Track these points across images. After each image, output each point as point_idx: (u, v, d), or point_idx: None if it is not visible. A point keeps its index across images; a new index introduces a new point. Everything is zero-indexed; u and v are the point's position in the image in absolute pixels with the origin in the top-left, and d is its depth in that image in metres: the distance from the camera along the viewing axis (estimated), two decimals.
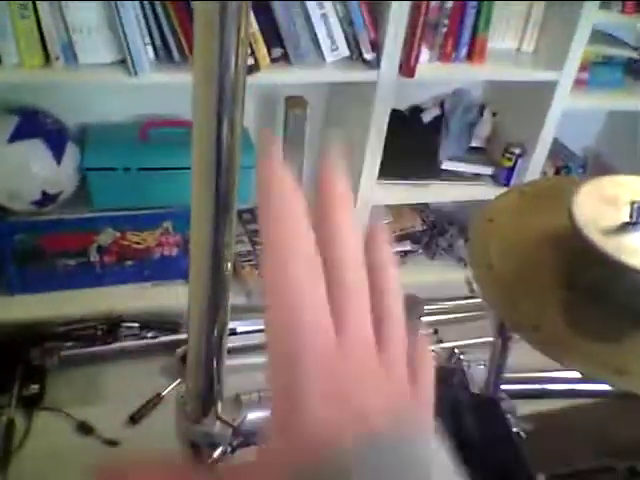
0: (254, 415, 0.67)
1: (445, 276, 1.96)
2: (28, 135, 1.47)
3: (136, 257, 1.72)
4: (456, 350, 0.71)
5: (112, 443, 1.45)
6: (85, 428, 1.48)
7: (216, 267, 0.57)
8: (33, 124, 1.50)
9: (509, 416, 0.67)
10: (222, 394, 0.67)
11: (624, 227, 0.56)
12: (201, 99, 0.52)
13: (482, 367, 0.80)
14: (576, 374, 0.83)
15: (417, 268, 2.02)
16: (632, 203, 0.57)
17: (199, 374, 0.63)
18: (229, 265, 0.61)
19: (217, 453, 0.65)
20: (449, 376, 0.69)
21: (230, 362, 1.62)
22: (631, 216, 0.57)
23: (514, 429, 0.65)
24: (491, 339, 0.82)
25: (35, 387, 1.52)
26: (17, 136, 1.46)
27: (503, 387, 0.77)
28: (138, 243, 1.70)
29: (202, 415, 0.65)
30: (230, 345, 1.77)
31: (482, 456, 0.56)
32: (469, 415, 0.58)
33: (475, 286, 0.58)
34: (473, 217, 0.73)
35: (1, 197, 1.50)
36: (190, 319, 0.63)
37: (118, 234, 1.66)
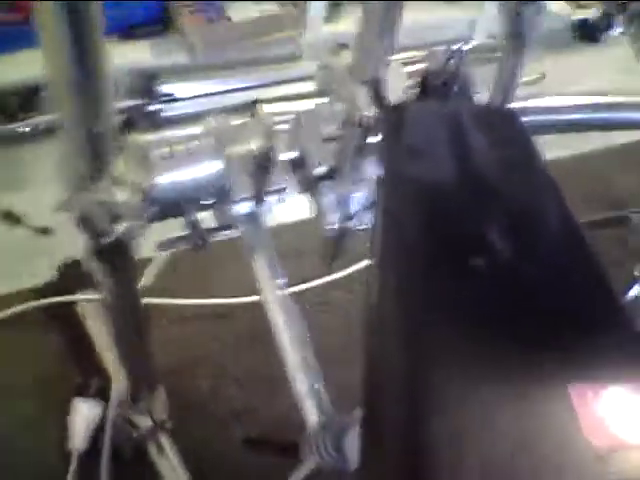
0: (167, 178, 0.49)
1: None
2: None
3: None
4: (460, 46, 0.48)
5: (44, 231, 1.29)
6: (12, 217, 1.31)
7: None
8: None
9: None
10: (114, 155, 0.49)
11: None
12: None
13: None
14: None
15: None
16: None
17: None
18: None
19: (122, 229, 0.47)
20: (447, 81, 0.47)
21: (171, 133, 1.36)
22: None
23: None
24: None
25: None
26: None
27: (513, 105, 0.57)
28: None
29: (93, 183, 0.47)
30: (170, 114, 1.50)
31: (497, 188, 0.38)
32: (477, 133, 0.39)
33: None
34: None
35: None
36: None
37: None
